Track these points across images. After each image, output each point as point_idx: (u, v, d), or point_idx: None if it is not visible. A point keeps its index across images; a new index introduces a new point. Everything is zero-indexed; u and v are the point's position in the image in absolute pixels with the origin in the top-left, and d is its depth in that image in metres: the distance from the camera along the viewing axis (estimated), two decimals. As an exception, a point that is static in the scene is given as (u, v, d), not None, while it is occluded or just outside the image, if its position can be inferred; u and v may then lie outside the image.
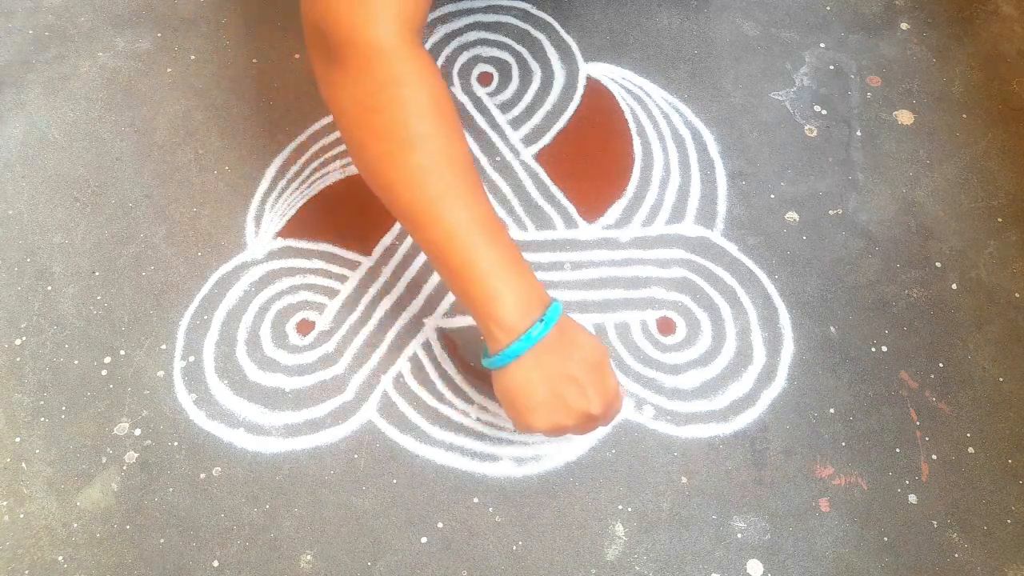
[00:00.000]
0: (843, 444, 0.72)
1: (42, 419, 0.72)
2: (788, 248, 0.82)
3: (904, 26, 0.98)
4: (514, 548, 0.67)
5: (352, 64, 0.58)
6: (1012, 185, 0.86)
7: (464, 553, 0.67)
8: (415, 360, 0.75)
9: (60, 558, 0.67)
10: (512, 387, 0.59)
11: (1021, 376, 0.76)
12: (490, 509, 0.69)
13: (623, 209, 0.84)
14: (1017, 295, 0.80)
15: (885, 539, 0.68)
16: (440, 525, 0.68)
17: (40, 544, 0.67)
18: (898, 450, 0.72)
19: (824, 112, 0.91)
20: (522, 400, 0.59)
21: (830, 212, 0.84)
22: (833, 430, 0.73)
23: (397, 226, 0.81)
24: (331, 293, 0.78)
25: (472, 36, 0.95)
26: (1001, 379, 0.75)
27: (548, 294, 0.61)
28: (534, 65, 0.93)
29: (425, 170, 0.58)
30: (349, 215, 0.82)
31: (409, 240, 0.81)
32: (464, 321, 0.77)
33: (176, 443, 0.71)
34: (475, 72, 0.92)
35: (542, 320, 0.58)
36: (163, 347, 0.75)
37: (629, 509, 0.69)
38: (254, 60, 0.92)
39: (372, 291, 0.79)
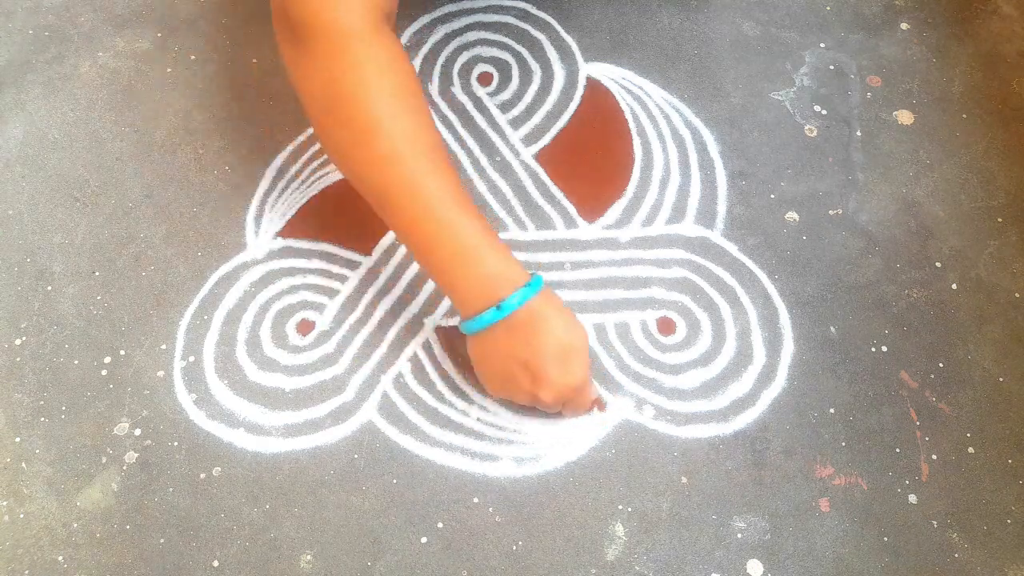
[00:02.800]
0: (843, 444, 0.72)
1: (42, 419, 0.72)
2: (788, 248, 0.82)
3: (904, 26, 0.98)
4: (514, 548, 0.67)
5: (318, 49, 0.59)
6: (1012, 185, 0.86)
7: (464, 553, 0.67)
8: (415, 360, 0.75)
9: (60, 558, 0.67)
10: (474, 354, 0.65)
11: (1021, 376, 0.76)
12: (490, 509, 0.69)
13: (623, 209, 0.84)
14: (1017, 295, 0.80)
15: (885, 539, 0.68)
16: (440, 525, 0.68)
17: (40, 544, 0.67)
18: (898, 450, 0.72)
19: (824, 112, 0.91)
20: (479, 367, 0.66)
21: (830, 212, 0.84)
22: (833, 430, 0.73)
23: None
24: (331, 293, 0.78)
25: (472, 36, 0.95)
26: (1001, 379, 0.76)
27: (525, 274, 0.62)
28: (534, 65, 0.93)
29: (390, 156, 0.59)
30: (349, 215, 0.82)
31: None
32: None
33: (176, 443, 0.71)
34: (475, 72, 0.92)
35: (499, 306, 0.60)
36: (163, 347, 0.75)
37: (629, 509, 0.69)
38: (254, 60, 0.92)
39: (372, 291, 0.79)
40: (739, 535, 0.68)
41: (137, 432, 0.72)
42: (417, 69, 0.92)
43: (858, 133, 0.89)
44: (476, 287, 0.61)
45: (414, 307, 0.78)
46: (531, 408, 0.71)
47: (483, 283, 0.60)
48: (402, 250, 0.81)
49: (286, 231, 0.82)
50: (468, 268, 0.61)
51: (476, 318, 0.61)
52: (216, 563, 0.66)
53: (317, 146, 0.86)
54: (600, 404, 0.72)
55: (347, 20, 0.58)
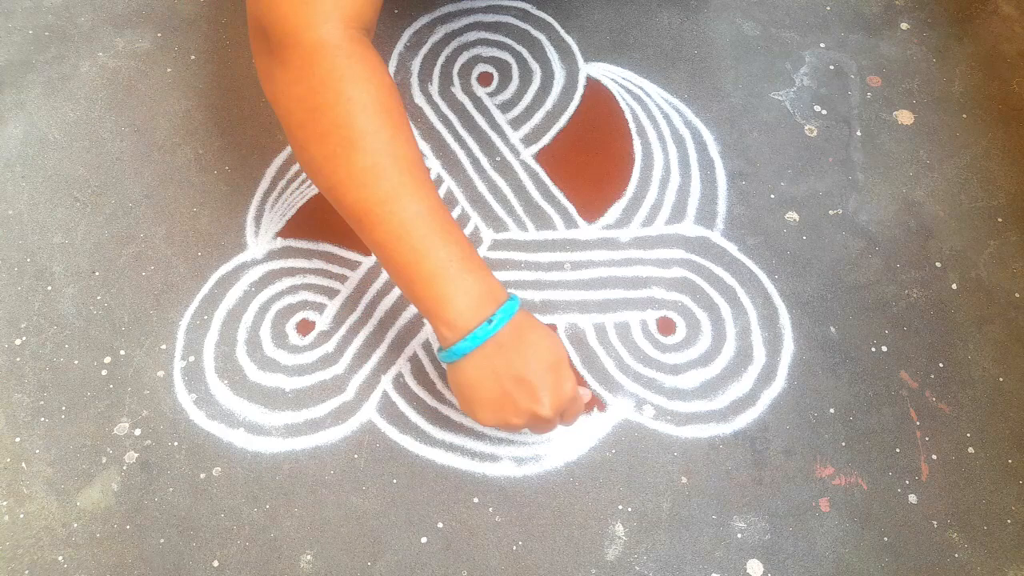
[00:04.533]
0: (843, 444, 0.72)
1: (42, 419, 0.72)
2: (788, 248, 0.82)
3: (904, 26, 0.98)
4: (514, 548, 0.67)
5: (294, 62, 0.58)
6: (1012, 185, 0.86)
7: (464, 553, 0.67)
8: (415, 360, 0.75)
9: (60, 558, 0.67)
10: (461, 382, 0.60)
11: (1021, 376, 0.76)
12: (490, 509, 0.69)
13: (623, 209, 0.84)
14: (1017, 295, 0.80)
15: (885, 539, 0.68)
16: (440, 525, 0.68)
17: (40, 544, 0.67)
18: (898, 450, 0.72)
19: (824, 112, 0.91)
20: (469, 395, 0.60)
21: (830, 212, 0.84)
22: (833, 430, 0.73)
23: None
24: (331, 293, 0.78)
25: (472, 36, 0.95)
26: (1001, 379, 0.76)
27: (505, 291, 0.61)
28: (534, 65, 0.93)
29: (368, 171, 0.58)
30: (349, 215, 0.82)
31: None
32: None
33: (176, 443, 0.71)
34: (475, 72, 0.92)
35: (490, 320, 0.58)
36: (163, 347, 0.75)
37: (629, 509, 0.69)
38: (254, 60, 0.92)
39: (372, 291, 0.79)
40: (739, 535, 0.68)
41: (137, 432, 0.72)
42: (417, 69, 0.92)
43: (858, 133, 0.89)
44: (461, 309, 0.58)
45: (414, 307, 0.78)
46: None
47: (467, 305, 0.58)
48: (402, 250, 0.80)
49: (286, 231, 0.82)
50: (448, 290, 0.58)
51: (468, 338, 0.58)
52: (216, 563, 0.66)
53: (317, 146, 0.86)
54: (599, 403, 0.72)
55: (325, 34, 0.57)
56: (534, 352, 0.59)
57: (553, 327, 0.77)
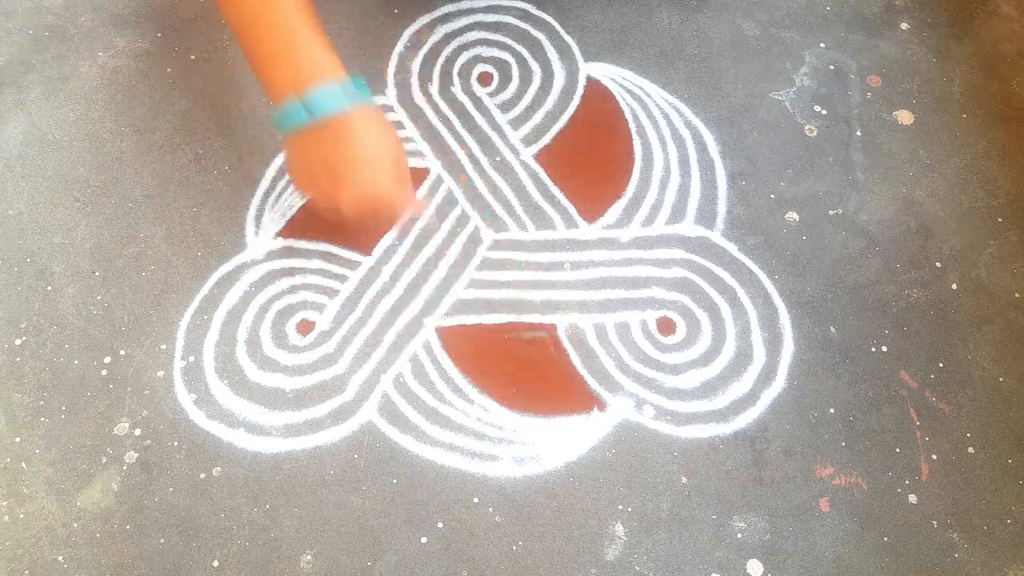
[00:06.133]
0: (843, 444, 0.72)
1: (42, 419, 0.72)
2: (788, 248, 0.82)
3: (904, 26, 0.98)
4: (514, 548, 0.67)
5: None
6: (1012, 185, 0.86)
7: (464, 553, 0.67)
8: (415, 360, 0.75)
9: (60, 558, 0.67)
10: (286, 149, 0.67)
11: (1021, 376, 0.76)
12: (490, 509, 0.69)
13: (623, 209, 0.84)
14: (1017, 295, 0.80)
15: (885, 539, 0.68)
16: (440, 525, 0.68)
17: (40, 544, 0.67)
18: (898, 450, 0.72)
19: (824, 112, 0.91)
20: (289, 162, 0.67)
21: (830, 212, 0.84)
22: (833, 430, 0.73)
23: (397, 225, 0.81)
24: (331, 293, 0.78)
25: (472, 36, 0.95)
26: (1001, 379, 0.76)
27: (342, 73, 0.63)
28: (534, 65, 0.93)
29: None
30: (349, 215, 0.82)
31: (409, 240, 0.81)
32: (463, 319, 0.77)
33: (176, 443, 0.71)
34: (475, 72, 0.92)
35: (309, 109, 0.61)
36: (163, 347, 0.75)
37: (629, 509, 0.69)
38: None
39: (372, 291, 0.79)
40: (739, 535, 0.68)
41: (137, 432, 0.72)
42: (417, 69, 0.92)
43: (858, 133, 0.89)
44: (286, 71, 0.61)
45: (414, 307, 0.78)
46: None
47: (293, 67, 0.61)
48: (402, 250, 0.81)
49: (286, 231, 0.82)
50: (281, 48, 0.61)
51: (285, 115, 0.62)
52: (216, 563, 0.66)
53: (317, 146, 0.86)
54: (600, 404, 0.72)
55: None
56: (351, 146, 0.62)
57: (553, 327, 0.77)
